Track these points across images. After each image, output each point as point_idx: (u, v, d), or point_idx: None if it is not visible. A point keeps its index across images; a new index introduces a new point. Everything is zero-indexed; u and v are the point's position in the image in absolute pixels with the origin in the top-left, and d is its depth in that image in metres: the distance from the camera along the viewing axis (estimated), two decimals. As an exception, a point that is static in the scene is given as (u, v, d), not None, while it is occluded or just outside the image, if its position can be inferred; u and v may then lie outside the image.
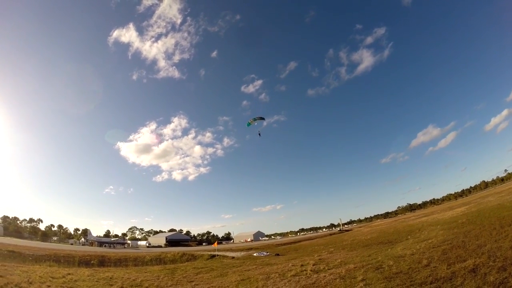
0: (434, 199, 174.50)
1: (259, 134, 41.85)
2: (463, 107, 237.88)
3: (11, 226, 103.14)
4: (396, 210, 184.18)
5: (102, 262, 30.87)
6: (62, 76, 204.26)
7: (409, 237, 25.19)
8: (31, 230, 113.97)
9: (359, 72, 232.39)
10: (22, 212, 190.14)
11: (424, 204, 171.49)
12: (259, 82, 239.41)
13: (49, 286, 13.95)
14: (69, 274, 18.81)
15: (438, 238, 18.77)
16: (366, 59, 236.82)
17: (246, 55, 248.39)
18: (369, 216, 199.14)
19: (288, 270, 16.85)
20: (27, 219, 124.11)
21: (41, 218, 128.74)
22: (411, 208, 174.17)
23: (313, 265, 17.44)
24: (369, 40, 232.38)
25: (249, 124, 35.88)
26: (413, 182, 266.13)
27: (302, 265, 18.44)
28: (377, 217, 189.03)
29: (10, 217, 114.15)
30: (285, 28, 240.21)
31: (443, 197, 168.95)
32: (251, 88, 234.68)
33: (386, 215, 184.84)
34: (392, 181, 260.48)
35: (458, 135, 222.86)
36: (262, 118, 36.98)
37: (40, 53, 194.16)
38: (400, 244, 21.66)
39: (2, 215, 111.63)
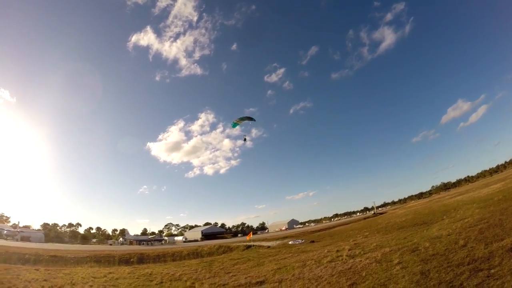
0: (468, 176, 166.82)
1: (245, 140, 38.43)
2: (492, 78, 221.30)
3: (52, 232, 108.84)
4: (430, 190, 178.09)
5: (141, 259, 31.72)
6: (88, 85, 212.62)
7: (444, 217, 24.80)
8: (71, 234, 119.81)
9: (381, 50, 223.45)
10: (61, 218, 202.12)
11: (458, 182, 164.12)
12: (282, 70, 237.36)
13: (91, 286, 14.71)
14: (110, 273, 19.89)
15: (474, 217, 18.46)
16: (387, 37, 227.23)
17: (266, 44, 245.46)
18: (403, 198, 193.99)
19: (324, 256, 17.31)
20: (66, 224, 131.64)
21: (79, 222, 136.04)
22: (445, 187, 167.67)
23: (348, 250, 17.79)
24: (389, 17, 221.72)
25: (234, 125, 32.69)
26: (446, 160, 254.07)
27: (337, 251, 18.83)
28: (411, 198, 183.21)
29: (50, 224, 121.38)
30: (302, 13, 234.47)
31: (477, 174, 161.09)
32: (274, 77, 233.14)
33: (420, 195, 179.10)
34: (425, 160, 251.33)
35: (489, 108, 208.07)
36: (251, 119, 33.19)
37: (66, 67, 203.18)
38: (435, 224, 21.45)
39: (42, 223, 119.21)
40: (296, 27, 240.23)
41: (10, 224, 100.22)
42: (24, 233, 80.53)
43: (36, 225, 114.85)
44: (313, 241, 32.01)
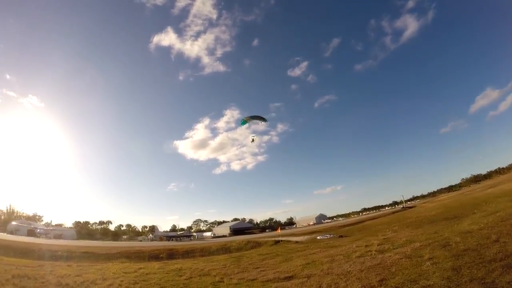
0: (499, 168, 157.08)
1: (253, 140, 33.98)
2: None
3: (83, 230, 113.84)
4: (460, 183, 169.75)
5: (171, 255, 32.25)
6: (114, 87, 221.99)
7: (475, 211, 24.08)
8: (102, 232, 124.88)
9: (405, 39, 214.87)
10: (93, 216, 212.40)
11: (489, 175, 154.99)
12: (305, 63, 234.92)
13: (122, 281, 15.02)
14: (140, 268, 20.43)
15: (506, 210, 17.92)
16: (410, 25, 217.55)
17: (287, 38, 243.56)
18: (432, 191, 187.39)
19: (353, 252, 17.42)
20: (97, 222, 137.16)
21: (110, 220, 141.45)
22: (476, 179, 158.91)
23: (378, 245, 17.82)
24: (410, 4, 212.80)
25: (243, 122, 30.18)
26: (476, 151, 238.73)
27: (366, 246, 18.90)
28: (440, 191, 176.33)
29: (82, 222, 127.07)
30: (322, 5, 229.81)
31: (509, 165, 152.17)
32: (297, 71, 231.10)
33: (450, 188, 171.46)
34: (454, 151, 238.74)
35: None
36: (263, 119, 30.58)
37: (91, 72, 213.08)
38: (466, 218, 20.95)
39: (74, 221, 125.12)
40: (316, 19, 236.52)
41: (43, 223, 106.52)
42: (56, 231, 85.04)
43: (68, 224, 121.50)
44: (341, 236, 31.97)
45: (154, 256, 31.50)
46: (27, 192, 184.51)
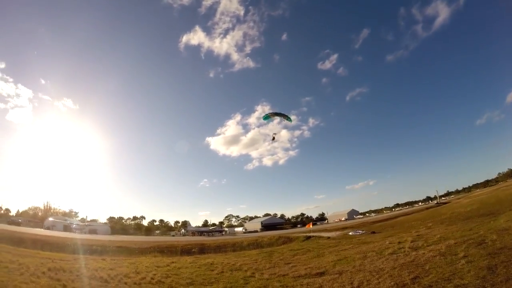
0: None
1: (273, 138, 33.66)
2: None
3: (117, 225, 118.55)
4: (497, 177, 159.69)
5: (202, 249, 32.70)
6: (145, 87, 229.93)
7: (513, 207, 23.25)
8: (135, 227, 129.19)
9: (436, 26, 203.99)
10: (127, 212, 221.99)
11: None
12: (335, 56, 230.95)
13: (154, 274, 15.38)
14: (172, 262, 21.01)
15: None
16: (441, 11, 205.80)
17: (316, 31, 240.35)
18: (467, 186, 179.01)
19: (386, 248, 17.44)
20: (131, 217, 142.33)
21: (143, 215, 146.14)
22: None
23: (411, 242, 17.70)
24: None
25: (266, 117, 29.53)
26: None
27: (399, 242, 18.79)
28: (476, 186, 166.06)
29: (116, 217, 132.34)
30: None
31: None
32: (327, 64, 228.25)
33: (486, 183, 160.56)
34: (490, 144, 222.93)
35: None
36: (287, 118, 29.62)
37: (122, 73, 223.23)
38: (503, 215, 20.23)
39: (108, 216, 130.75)
40: (344, 10, 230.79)
41: (79, 218, 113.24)
42: (91, 226, 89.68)
43: (103, 219, 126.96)
44: (374, 232, 31.62)
45: (186, 250, 31.98)
46: (63, 190, 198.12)
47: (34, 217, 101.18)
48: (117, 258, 23.96)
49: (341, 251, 20.52)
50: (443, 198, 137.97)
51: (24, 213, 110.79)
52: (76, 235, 52.69)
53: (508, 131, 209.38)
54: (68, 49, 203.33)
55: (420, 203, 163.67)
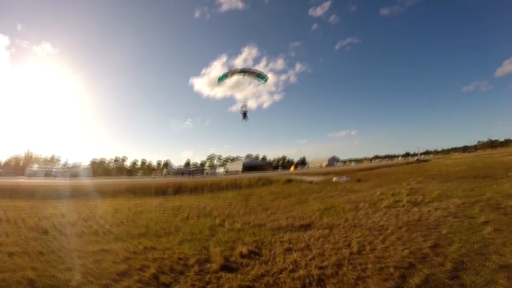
0: None
1: (244, 115, 20.66)
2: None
3: (99, 168, 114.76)
4: (476, 145, 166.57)
5: (178, 190, 30.92)
6: (128, 25, 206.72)
7: (510, 174, 21.88)
8: (117, 169, 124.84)
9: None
10: (110, 154, 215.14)
11: (506, 142, 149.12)
12: (327, 3, 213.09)
13: (105, 220, 14.12)
14: (136, 205, 19.65)
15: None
16: None
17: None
18: (446, 148, 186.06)
19: (379, 200, 15.82)
20: (113, 159, 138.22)
21: (126, 156, 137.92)
22: (492, 145, 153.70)
23: (407, 195, 16.05)
24: None
25: (222, 78, 20.21)
26: (496, 116, 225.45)
27: (393, 194, 17.26)
28: (454, 149, 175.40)
29: (97, 160, 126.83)
30: None
31: None
32: (319, 11, 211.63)
33: (465, 149, 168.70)
34: (473, 112, 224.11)
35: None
36: (260, 76, 19.53)
37: (103, 13, 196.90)
38: (503, 180, 18.94)
39: (91, 159, 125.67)
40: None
41: (61, 162, 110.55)
42: (72, 171, 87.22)
43: (86, 163, 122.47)
44: (359, 180, 30.47)
45: (161, 191, 30.18)
46: (45, 137, 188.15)
47: (16, 167, 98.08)
48: (80, 202, 22.37)
49: (327, 199, 18.97)
50: (422, 156, 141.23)
51: (6, 163, 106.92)
52: (56, 181, 50.92)
53: (493, 102, 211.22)
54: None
55: (400, 158, 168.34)
